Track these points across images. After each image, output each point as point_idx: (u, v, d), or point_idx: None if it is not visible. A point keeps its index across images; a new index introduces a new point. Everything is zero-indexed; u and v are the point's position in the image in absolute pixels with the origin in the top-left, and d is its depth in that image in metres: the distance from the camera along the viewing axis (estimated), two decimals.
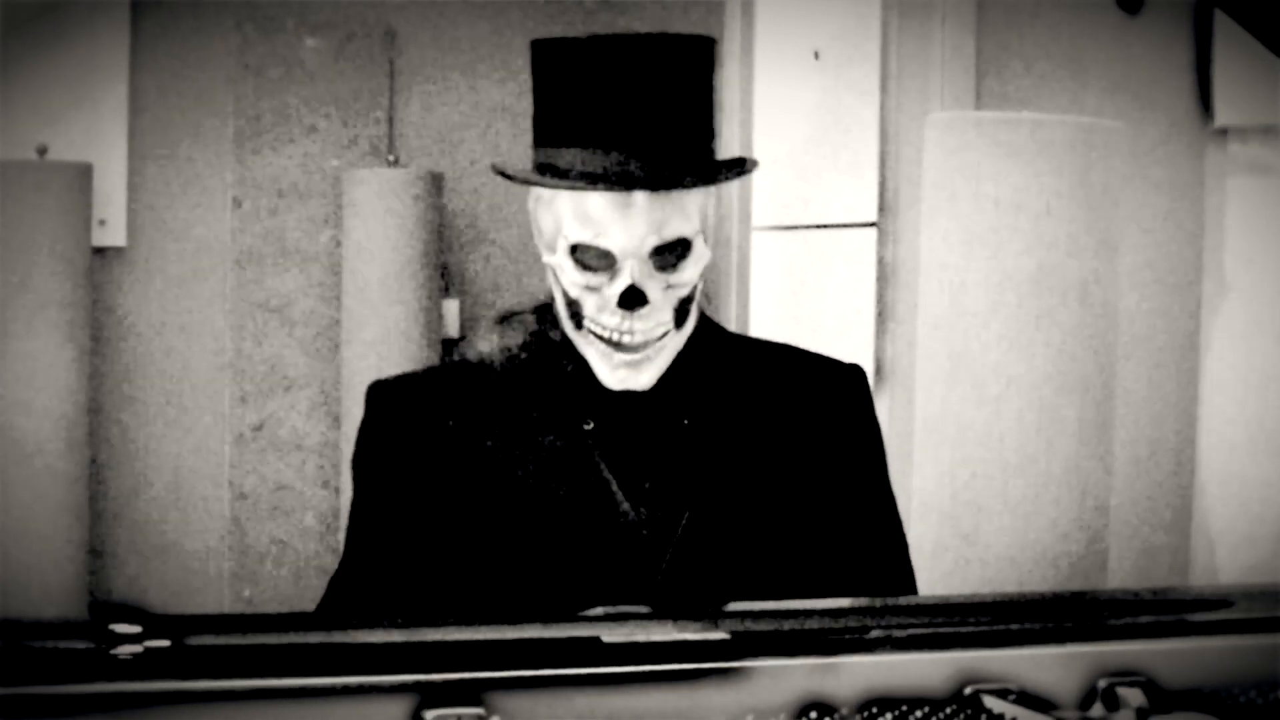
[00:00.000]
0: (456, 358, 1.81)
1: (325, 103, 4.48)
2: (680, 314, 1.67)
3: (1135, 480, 3.79)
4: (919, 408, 2.84)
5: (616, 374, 1.66)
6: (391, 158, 4.47)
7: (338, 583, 1.74)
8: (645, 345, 1.65)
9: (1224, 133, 3.80)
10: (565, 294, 1.68)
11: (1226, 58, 3.76)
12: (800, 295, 4.76)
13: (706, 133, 1.67)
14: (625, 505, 1.66)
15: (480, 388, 1.72)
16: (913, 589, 1.80)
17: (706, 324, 1.77)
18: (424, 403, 1.72)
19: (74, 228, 4.04)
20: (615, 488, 1.67)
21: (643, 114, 1.62)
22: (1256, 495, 3.68)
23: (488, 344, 1.75)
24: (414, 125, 4.54)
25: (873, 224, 4.10)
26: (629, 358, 1.65)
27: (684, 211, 1.64)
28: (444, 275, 4.46)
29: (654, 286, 1.64)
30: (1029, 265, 2.71)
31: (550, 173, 1.65)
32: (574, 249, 1.65)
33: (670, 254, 1.64)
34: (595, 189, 1.62)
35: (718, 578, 1.65)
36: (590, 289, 1.65)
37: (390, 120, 4.53)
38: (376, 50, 4.52)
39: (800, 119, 4.67)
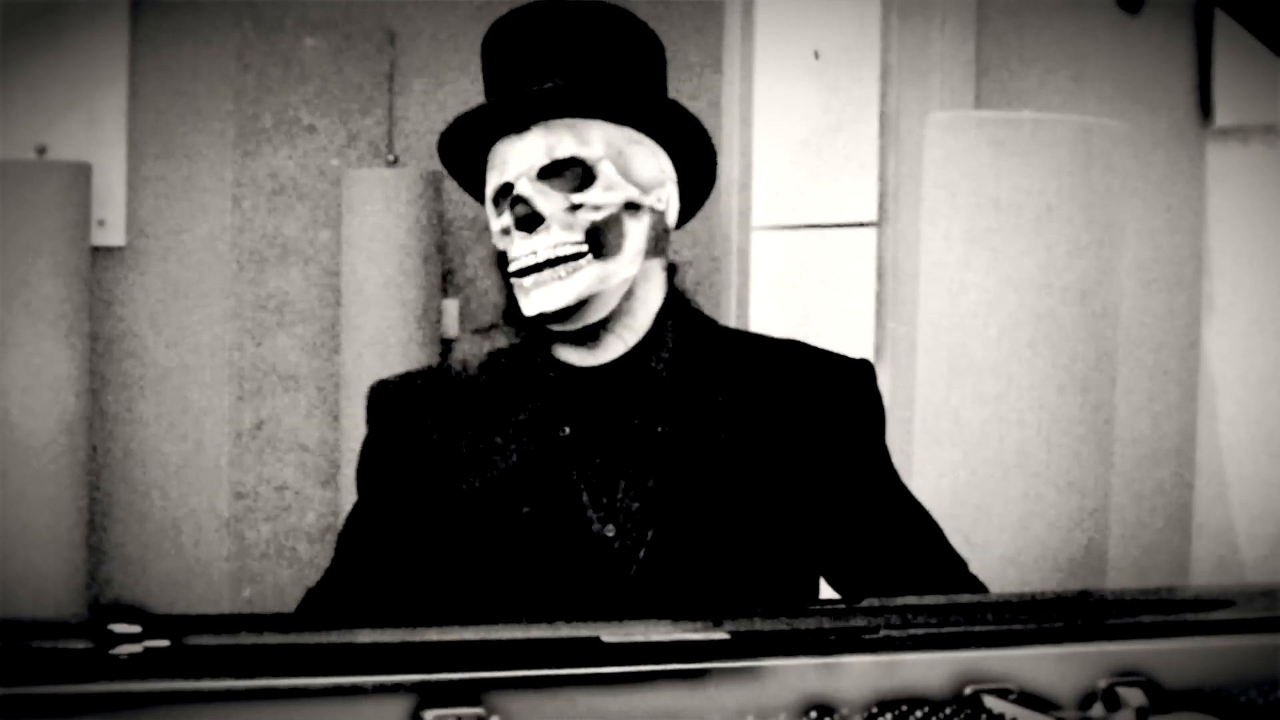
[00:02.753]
0: (450, 360, 1.80)
1: (325, 103, 4.48)
2: (596, 240, 1.64)
3: (1135, 480, 3.79)
4: (919, 408, 2.84)
5: (531, 298, 1.65)
6: (391, 158, 4.47)
7: (325, 582, 1.73)
8: (554, 264, 1.63)
9: (1224, 133, 3.80)
10: (498, 254, 1.68)
11: (1226, 58, 3.76)
12: (800, 295, 4.76)
13: (604, 71, 1.66)
14: (595, 520, 1.64)
15: (468, 393, 1.71)
16: (964, 568, 1.75)
17: (700, 321, 1.74)
18: (422, 408, 1.72)
19: (74, 228, 4.04)
20: (586, 500, 1.65)
21: (535, 62, 1.66)
22: (1256, 495, 3.68)
23: (466, 352, 1.76)
24: (414, 125, 4.53)
25: (873, 224, 4.10)
26: (538, 277, 1.64)
27: (580, 137, 1.64)
28: (444, 275, 4.46)
29: (549, 203, 1.63)
30: (1029, 265, 2.71)
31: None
32: (495, 200, 1.68)
33: (563, 174, 1.64)
34: (493, 137, 1.67)
35: (687, 591, 1.63)
36: (505, 231, 1.67)
37: (390, 120, 4.52)
38: (376, 50, 4.52)
39: (800, 119, 4.67)
